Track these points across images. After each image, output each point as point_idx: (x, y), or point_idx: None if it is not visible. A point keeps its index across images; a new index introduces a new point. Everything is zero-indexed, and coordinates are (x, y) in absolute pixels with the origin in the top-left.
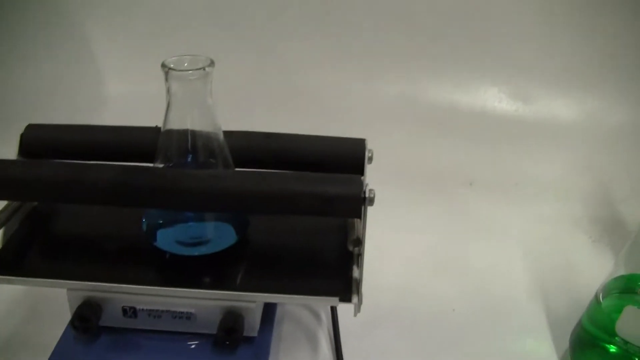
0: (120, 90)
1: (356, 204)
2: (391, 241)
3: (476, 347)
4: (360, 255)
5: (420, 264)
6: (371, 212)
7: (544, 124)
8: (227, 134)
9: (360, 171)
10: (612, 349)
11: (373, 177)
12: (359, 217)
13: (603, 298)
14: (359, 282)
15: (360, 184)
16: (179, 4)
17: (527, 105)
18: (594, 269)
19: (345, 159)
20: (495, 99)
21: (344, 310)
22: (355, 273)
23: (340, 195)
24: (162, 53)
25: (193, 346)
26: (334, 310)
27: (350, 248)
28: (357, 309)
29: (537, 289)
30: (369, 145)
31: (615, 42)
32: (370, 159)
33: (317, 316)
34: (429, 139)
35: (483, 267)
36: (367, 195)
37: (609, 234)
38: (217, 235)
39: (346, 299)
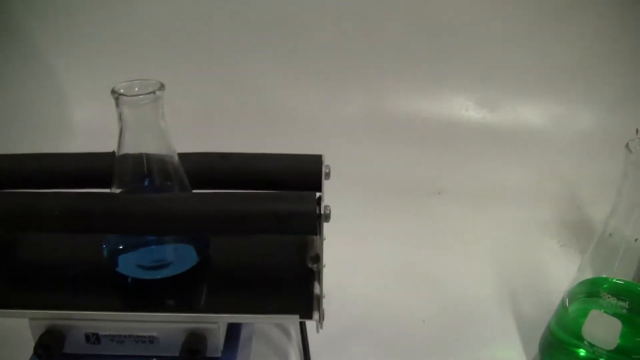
0: (85, 115)
1: (311, 220)
2: (360, 254)
3: (448, 356)
4: (319, 271)
5: (389, 275)
6: (339, 225)
7: (510, 131)
8: (183, 156)
9: (319, 187)
10: (581, 352)
11: (341, 190)
12: (315, 233)
13: (569, 303)
14: (319, 299)
15: (314, 201)
16: (144, 28)
17: (493, 112)
18: (562, 274)
19: (303, 176)
20: (461, 107)
21: (314, 325)
22: (316, 289)
23: (295, 212)
24: (127, 77)
25: None
26: (303, 326)
27: (310, 265)
28: (320, 325)
29: (506, 295)
30: (329, 160)
31: (580, 49)
32: (328, 174)
33: (286, 332)
34: (396, 150)
35: (452, 276)
36: (322, 211)
37: (577, 238)
38: (178, 257)
39: (307, 316)
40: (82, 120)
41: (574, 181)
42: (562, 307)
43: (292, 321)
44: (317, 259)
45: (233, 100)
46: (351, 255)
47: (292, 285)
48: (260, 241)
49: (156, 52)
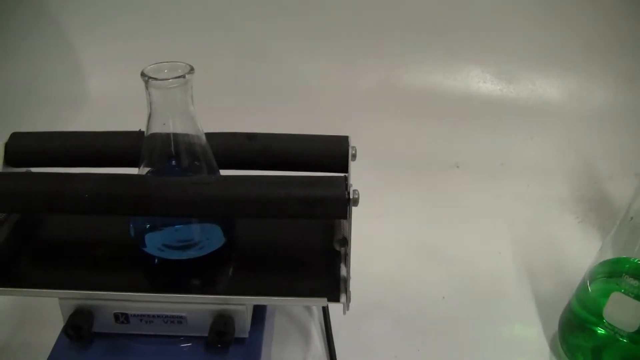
0: (102, 86)
1: (341, 205)
2: (378, 229)
3: (466, 333)
4: (347, 254)
5: (407, 251)
6: None
7: (528, 104)
8: (210, 136)
9: (345, 168)
10: (600, 331)
11: (358, 165)
12: (344, 217)
13: (590, 282)
14: (346, 281)
15: (344, 186)
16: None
17: (511, 85)
18: (580, 250)
19: (329, 157)
20: (479, 80)
21: (336, 305)
22: (343, 272)
23: (325, 197)
24: (143, 48)
25: (185, 349)
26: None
27: (337, 248)
28: (346, 307)
29: (524, 271)
30: (353, 140)
31: (598, 22)
32: (354, 155)
33: (308, 309)
34: (413, 123)
35: (470, 252)
36: (351, 196)
37: (595, 214)
38: (205, 237)
39: (334, 298)
40: (97, 92)
41: (591, 156)
42: (583, 286)
43: (319, 304)
44: (345, 242)
45: (249, 72)
46: (368, 231)
47: (318, 267)
48: (286, 223)
49: (176, 26)
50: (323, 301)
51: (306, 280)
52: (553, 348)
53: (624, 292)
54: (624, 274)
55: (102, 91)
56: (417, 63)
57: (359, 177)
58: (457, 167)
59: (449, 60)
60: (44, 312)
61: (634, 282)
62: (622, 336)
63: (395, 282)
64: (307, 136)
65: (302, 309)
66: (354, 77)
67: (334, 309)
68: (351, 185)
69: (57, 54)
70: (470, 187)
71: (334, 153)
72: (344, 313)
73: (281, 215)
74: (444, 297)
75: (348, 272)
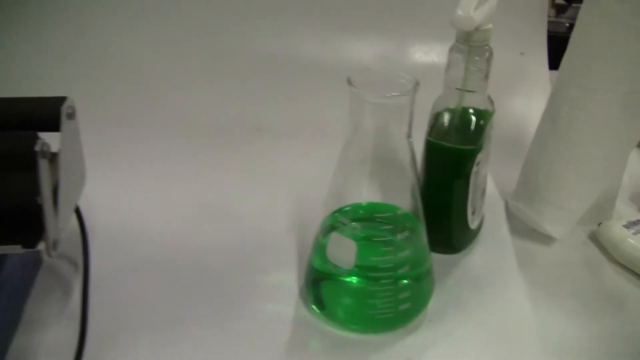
0: None
1: (29, 158)
2: (164, 193)
3: (229, 282)
4: (42, 205)
5: (189, 211)
6: (142, 164)
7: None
8: None
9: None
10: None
11: (162, 132)
12: (34, 170)
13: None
14: (45, 230)
15: (33, 140)
16: None
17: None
18: None
19: (42, 118)
20: None
21: (97, 260)
22: (46, 221)
23: (10, 150)
24: None
25: None
26: (86, 259)
27: (39, 201)
28: (47, 253)
29: (296, 227)
30: (161, 107)
31: None
32: (71, 114)
33: (76, 267)
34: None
35: (251, 210)
36: (39, 148)
37: None
38: None
39: (30, 245)
40: None
41: None
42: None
43: (14, 251)
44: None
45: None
46: (153, 194)
47: (19, 220)
48: None
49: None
50: (18, 248)
51: (6, 229)
52: (302, 293)
53: (340, 233)
54: (341, 218)
55: None
56: None
57: (158, 143)
58: (258, 130)
59: None
60: None
61: (347, 222)
62: (339, 274)
63: (171, 240)
64: (19, 99)
65: (69, 266)
66: None
67: (97, 265)
68: (42, 139)
69: None
70: (271, 150)
71: (46, 114)
72: (43, 258)
73: None
74: (220, 252)
75: (48, 221)
